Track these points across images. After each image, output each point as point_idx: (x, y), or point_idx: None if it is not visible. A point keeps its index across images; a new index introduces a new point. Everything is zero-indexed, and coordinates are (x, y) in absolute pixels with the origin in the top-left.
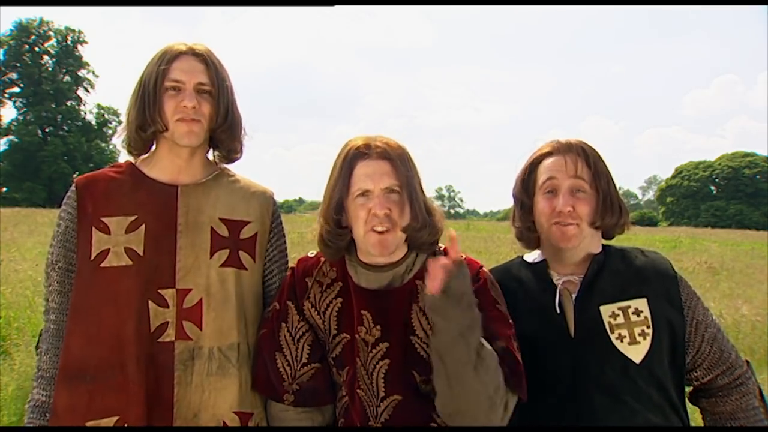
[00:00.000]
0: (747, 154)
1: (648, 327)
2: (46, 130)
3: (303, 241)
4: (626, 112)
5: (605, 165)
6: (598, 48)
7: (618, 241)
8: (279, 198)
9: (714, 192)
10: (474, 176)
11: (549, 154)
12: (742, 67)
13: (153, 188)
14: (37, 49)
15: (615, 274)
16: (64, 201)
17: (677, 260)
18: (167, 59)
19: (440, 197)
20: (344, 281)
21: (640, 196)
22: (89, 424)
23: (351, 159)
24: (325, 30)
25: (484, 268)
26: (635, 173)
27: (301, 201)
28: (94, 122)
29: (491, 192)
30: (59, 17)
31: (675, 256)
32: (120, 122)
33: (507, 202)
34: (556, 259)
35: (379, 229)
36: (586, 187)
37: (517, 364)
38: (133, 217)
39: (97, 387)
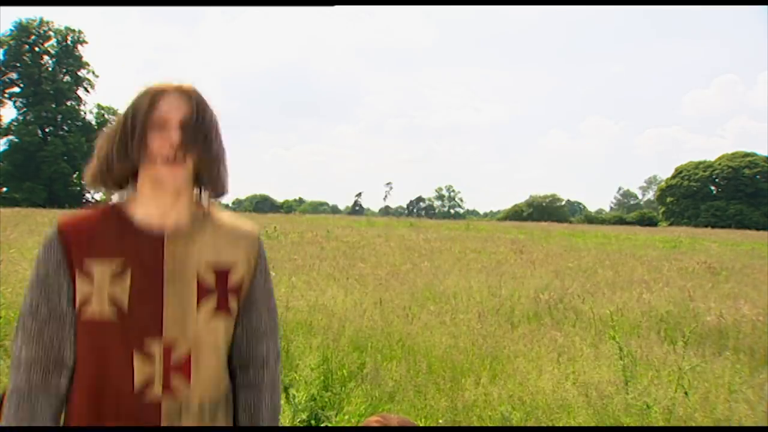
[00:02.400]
0: (747, 154)
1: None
2: (46, 130)
3: (303, 241)
4: (626, 112)
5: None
6: (598, 48)
7: (619, 241)
8: (279, 198)
9: (714, 192)
10: (474, 176)
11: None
12: (742, 67)
13: (139, 235)
14: (37, 49)
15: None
16: (45, 243)
17: (677, 260)
18: (152, 95)
19: (440, 197)
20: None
21: (640, 196)
22: None
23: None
24: (325, 30)
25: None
26: (635, 173)
27: (301, 201)
28: (94, 122)
29: (491, 192)
30: (59, 17)
31: (675, 256)
32: None
33: (507, 202)
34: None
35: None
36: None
37: None
38: (118, 263)
39: None
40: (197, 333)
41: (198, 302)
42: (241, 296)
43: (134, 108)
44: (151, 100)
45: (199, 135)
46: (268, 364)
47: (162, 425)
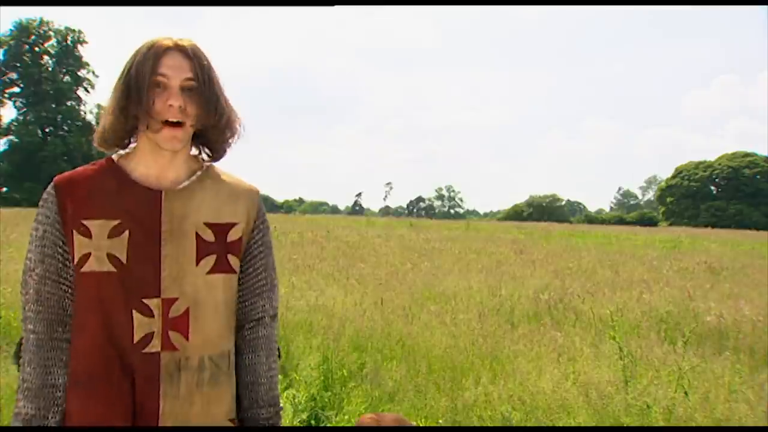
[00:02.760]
0: (747, 154)
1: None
2: (46, 130)
3: (303, 241)
4: (626, 112)
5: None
6: (598, 48)
7: (619, 241)
8: (279, 198)
9: (714, 192)
10: (474, 176)
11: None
12: (742, 67)
13: (137, 192)
14: (37, 49)
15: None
16: (42, 203)
17: (677, 260)
18: (153, 54)
19: (440, 197)
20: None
21: (640, 196)
22: None
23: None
24: (325, 30)
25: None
26: (635, 173)
27: (301, 201)
28: (94, 122)
29: (491, 192)
30: (59, 17)
31: (675, 256)
32: None
33: (507, 202)
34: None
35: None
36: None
37: None
38: (116, 222)
39: (87, 394)
40: (196, 291)
41: (197, 260)
42: (240, 254)
43: (135, 66)
44: (153, 58)
45: (201, 97)
46: (262, 321)
47: (161, 376)
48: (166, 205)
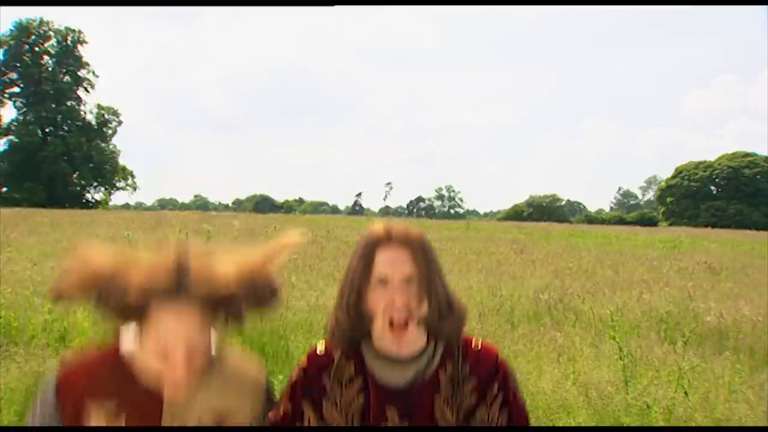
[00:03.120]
0: (747, 154)
1: None
2: (46, 130)
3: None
4: (626, 112)
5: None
6: (598, 48)
7: (619, 241)
8: (279, 198)
9: (714, 192)
10: (474, 176)
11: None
12: (742, 67)
13: (140, 392)
14: (37, 49)
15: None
16: (41, 397)
17: (677, 260)
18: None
19: (440, 197)
20: (364, 377)
21: (640, 196)
22: None
23: (371, 246)
24: (325, 30)
25: (501, 357)
26: (635, 173)
27: (301, 201)
28: (94, 122)
29: (491, 192)
30: (59, 17)
31: (675, 256)
32: (120, 122)
33: (507, 202)
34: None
35: (397, 319)
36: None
37: None
38: (114, 417)
39: None
40: None
41: None
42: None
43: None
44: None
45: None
46: None
47: None
48: (168, 408)
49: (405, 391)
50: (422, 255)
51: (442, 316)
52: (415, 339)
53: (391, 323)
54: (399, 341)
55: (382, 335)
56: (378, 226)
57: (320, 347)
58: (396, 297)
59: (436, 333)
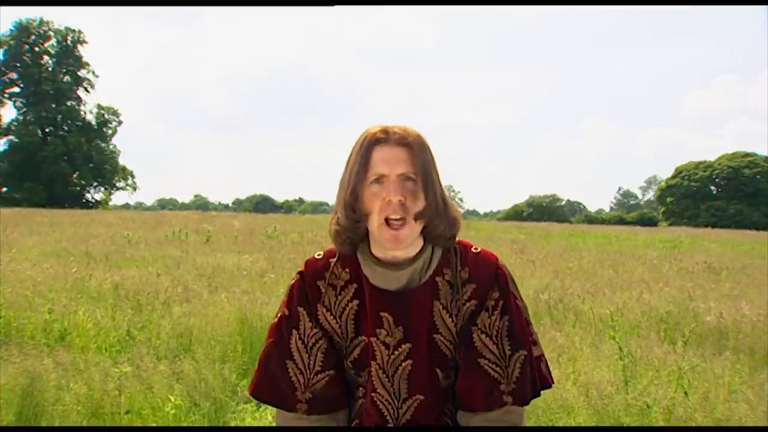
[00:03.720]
0: (747, 154)
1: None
2: (46, 130)
3: (303, 241)
4: (626, 112)
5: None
6: (598, 48)
7: (619, 241)
8: (279, 198)
9: (714, 192)
10: (474, 176)
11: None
12: (742, 67)
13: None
14: (37, 49)
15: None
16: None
17: (677, 260)
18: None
19: None
20: (359, 282)
21: (640, 196)
22: None
23: (368, 145)
24: (325, 30)
25: (500, 261)
26: (635, 173)
27: (301, 201)
28: (94, 122)
29: (491, 192)
30: (59, 17)
31: (675, 256)
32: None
33: (507, 202)
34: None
35: (394, 217)
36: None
37: (538, 375)
38: None
39: None
40: None
41: None
42: None
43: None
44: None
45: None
46: None
47: None
48: None
49: (401, 295)
50: (419, 154)
51: (438, 214)
52: (411, 237)
53: (387, 220)
54: (395, 238)
55: (378, 233)
56: (375, 127)
57: (319, 254)
58: (392, 195)
59: (432, 232)
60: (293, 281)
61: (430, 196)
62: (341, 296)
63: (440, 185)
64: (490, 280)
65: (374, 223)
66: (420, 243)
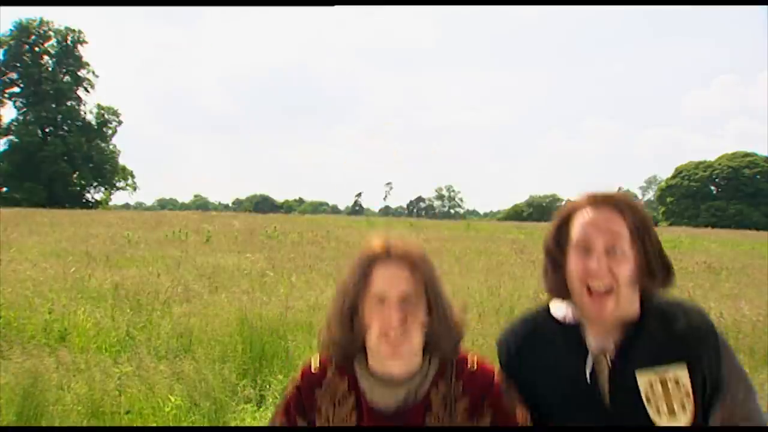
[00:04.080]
0: (747, 154)
1: (688, 397)
2: (46, 130)
3: (303, 241)
4: (626, 112)
5: (647, 219)
6: (598, 48)
7: None
8: (279, 198)
9: (714, 192)
10: (474, 176)
11: (583, 207)
12: (742, 67)
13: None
14: (37, 49)
15: (653, 338)
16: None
17: (677, 260)
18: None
19: (440, 197)
20: (357, 395)
21: (640, 196)
22: None
23: (369, 261)
24: (325, 30)
25: (498, 377)
26: (635, 173)
27: (301, 201)
28: (94, 122)
29: (491, 192)
30: (59, 17)
31: (675, 256)
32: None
33: (507, 203)
34: (590, 321)
35: (392, 335)
36: (625, 245)
37: None
38: None
39: None
40: None
41: None
42: None
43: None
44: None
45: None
46: None
47: None
48: None
49: (398, 416)
50: (421, 273)
51: (440, 333)
52: (411, 351)
53: (386, 341)
54: (395, 355)
55: (377, 346)
56: (377, 242)
57: (314, 363)
58: (393, 314)
59: (433, 349)
60: (289, 394)
61: (434, 311)
62: (339, 410)
63: (443, 301)
64: (484, 394)
65: (373, 337)
66: (418, 358)
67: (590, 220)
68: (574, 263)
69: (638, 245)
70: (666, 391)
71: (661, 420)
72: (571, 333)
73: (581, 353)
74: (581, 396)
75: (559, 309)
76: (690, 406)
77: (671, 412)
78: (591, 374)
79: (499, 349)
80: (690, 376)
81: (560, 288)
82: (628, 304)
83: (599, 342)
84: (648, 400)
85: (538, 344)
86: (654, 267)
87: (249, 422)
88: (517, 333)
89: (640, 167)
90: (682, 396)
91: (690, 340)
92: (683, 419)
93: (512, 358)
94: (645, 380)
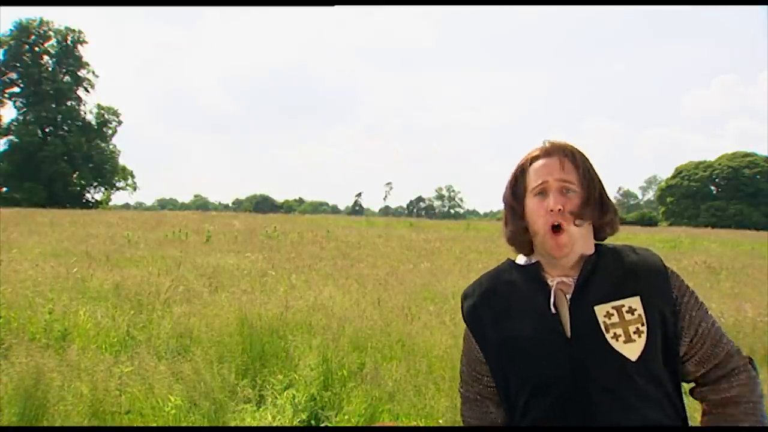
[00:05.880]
0: (747, 154)
1: (642, 324)
2: (46, 130)
3: (303, 241)
4: (626, 112)
5: (591, 165)
6: (598, 48)
7: (619, 241)
8: (279, 198)
9: (714, 192)
10: (474, 176)
11: (537, 157)
12: (742, 67)
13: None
14: (37, 49)
15: (607, 273)
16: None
17: (677, 260)
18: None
19: (440, 197)
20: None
21: (640, 196)
22: None
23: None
24: (325, 30)
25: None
26: (635, 173)
27: (301, 201)
28: (94, 122)
29: (491, 192)
30: (59, 17)
31: (675, 256)
32: (120, 122)
33: None
34: (550, 263)
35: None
36: (575, 186)
37: None
38: None
39: None
40: None
41: None
42: None
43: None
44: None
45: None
46: None
47: None
48: None
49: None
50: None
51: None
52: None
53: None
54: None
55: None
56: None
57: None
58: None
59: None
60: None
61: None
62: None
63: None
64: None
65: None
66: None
67: (544, 167)
68: (534, 206)
69: (586, 184)
70: (622, 319)
71: (618, 344)
72: (532, 272)
73: (542, 289)
74: (547, 328)
75: (521, 259)
76: (644, 331)
77: (628, 339)
78: (554, 307)
79: (462, 300)
80: (642, 305)
81: (519, 236)
82: (583, 240)
83: (559, 280)
84: (607, 330)
85: (500, 288)
86: (603, 202)
87: (249, 422)
88: (482, 282)
89: (640, 167)
90: (636, 323)
91: (641, 274)
92: (638, 342)
93: (476, 306)
94: (602, 311)
